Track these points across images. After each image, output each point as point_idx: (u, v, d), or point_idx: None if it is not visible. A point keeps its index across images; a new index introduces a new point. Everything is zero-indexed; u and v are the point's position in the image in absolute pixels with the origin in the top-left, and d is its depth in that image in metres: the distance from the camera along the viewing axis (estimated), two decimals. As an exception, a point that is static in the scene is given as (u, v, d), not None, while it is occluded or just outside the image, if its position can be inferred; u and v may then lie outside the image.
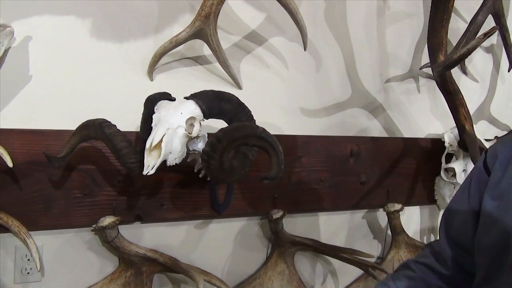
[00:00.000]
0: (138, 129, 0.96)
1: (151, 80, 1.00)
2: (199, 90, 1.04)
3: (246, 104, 1.10)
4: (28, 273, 0.90)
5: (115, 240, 0.93)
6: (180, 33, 0.92)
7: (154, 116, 0.84)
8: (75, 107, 0.93)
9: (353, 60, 1.25)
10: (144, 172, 0.78)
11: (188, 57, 1.04)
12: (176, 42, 0.92)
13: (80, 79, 0.93)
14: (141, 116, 0.90)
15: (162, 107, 0.85)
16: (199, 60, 1.05)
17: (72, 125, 0.91)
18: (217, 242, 1.09)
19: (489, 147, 0.76)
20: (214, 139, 0.80)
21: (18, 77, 0.88)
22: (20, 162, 0.86)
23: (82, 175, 0.92)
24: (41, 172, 0.88)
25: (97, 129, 0.80)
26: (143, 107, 0.88)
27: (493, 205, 0.67)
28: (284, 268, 1.14)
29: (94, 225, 0.92)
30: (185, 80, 1.03)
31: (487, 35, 0.85)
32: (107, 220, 0.91)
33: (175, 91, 1.01)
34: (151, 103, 0.86)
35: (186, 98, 0.88)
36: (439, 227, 0.82)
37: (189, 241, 1.06)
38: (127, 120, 0.97)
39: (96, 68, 0.94)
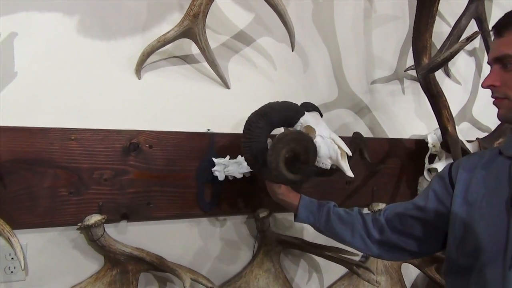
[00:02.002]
0: (126, 128, 0.96)
1: (139, 78, 0.99)
2: (187, 89, 1.05)
3: (234, 103, 1.11)
4: (12, 272, 0.89)
5: (101, 238, 0.92)
6: (168, 32, 0.92)
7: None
8: (61, 104, 0.92)
9: (340, 61, 1.27)
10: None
11: (176, 56, 1.04)
12: (164, 41, 0.92)
13: (67, 76, 0.92)
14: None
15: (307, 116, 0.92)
16: (187, 59, 1.05)
17: (59, 123, 0.90)
18: (203, 241, 1.10)
19: (454, 162, 0.89)
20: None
21: (4, 73, 0.87)
22: (5, 159, 0.85)
23: (68, 173, 0.91)
24: (26, 170, 0.87)
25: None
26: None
27: (464, 210, 0.80)
28: (270, 267, 1.15)
29: (79, 224, 0.91)
30: (173, 79, 1.03)
31: (470, 39, 0.87)
32: (93, 219, 0.91)
33: (162, 89, 1.02)
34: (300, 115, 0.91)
35: (307, 110, 0.95)
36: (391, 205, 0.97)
37: (176, 240, 1.06)
38: (114, 118, 0.97)
39: (83, 65, 0.94)
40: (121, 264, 0.97)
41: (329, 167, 0.93)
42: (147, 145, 0.99)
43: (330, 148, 0.91)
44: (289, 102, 0.92)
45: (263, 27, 1.13)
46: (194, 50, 1.04)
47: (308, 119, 0.90)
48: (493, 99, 0.82)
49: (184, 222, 1.07)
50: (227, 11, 1.08)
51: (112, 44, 0.96)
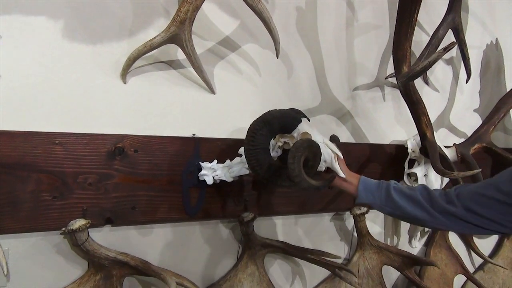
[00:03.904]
0: (111, 132, 0.96)
1: (124, 83, 0.99)
2: (172, 94, 1.05)
3: (219, 109, 1.13)
4: (-7, 278, 0.88)
5: (85, 243, 0.92)
6: (155, 38, 0.93)
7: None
8: (45, 108, 0.91)
9: (323, 68, 1.30)
10: None
11: (162, 61, 1.04)
12: (150, 46, 0.93)
13: (51, 80, 0.92)
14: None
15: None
16: (172, 64, 1.06)
17: (42, 127, 0.90)
18: (188, 245, 1.10)
19: None
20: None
21: (-14, 76, 0.86)
22: (-13, 163, 0.84)
23: (51, 178, 0.90)
24: (8, 174, 0.86)
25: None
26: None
27: None
28: (254, 270, 1.16)
29: (63, 228, 0.91)
30: (158, 84, 1.04)
31: (447, 49, 0.90)
32: (77, 223, 0.90)
33: (148, 94, 1.03)
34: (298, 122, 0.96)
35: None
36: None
37: (161, 244, 1.06)
38: (99, 122, 0.97)
39: (69, 70, 0.93)
40: (105, 269, 0.96)
41: (323, 169, 0.99)
42: (132, 150, 0.99)
43: (325, 152, 0.96)
44: (287, 110, 0.97)
45: (248, 34, 1.15)
46: (180, 55, 1.05)
47: (304, 126, 0.95)
48: None
49: (169, 226, 1.07)
50: (213, 18, 1.09)
51: (97, 48, 0.96)
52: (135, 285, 1.05)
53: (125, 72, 0.98)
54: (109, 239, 0.99)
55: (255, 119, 0.91)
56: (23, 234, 0.90)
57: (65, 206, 0.92)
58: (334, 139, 1.12)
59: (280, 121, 0.92)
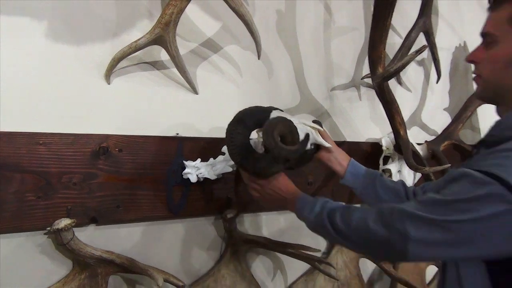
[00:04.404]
0: (96, 132, 0.97)
1: (108, 83, 1.01)
2: (156, 94, 1.07)
3: (202, 108, 1.15)
4: (-24, 279, 0.88)
5: (71, 242, 0.92)
6: (140, 39, 0.94)
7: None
8: (29, 109, 0.91)
9: (302, 69, 1.34)
10: None
11: (146, 62, 1.06)
12: (135, 48, 0.94)
13: (35, 81, 0.92)
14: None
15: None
16: (156, 65, 1.08)
17: (26, 127, 0.90)
18: (173, 242, 1.12)
19: None
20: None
21: (-32, 77, 0.86)
22: (-30, 164, 0.84)
23: (36, 178, 0.91)
24: (-8, 174, 0.86)
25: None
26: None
27: None
28: (237, 265, 1.19)
29: (48, 228, 0.91)
30: (142, 84, 1.05)
31: (418, 52, 0.96)
32: (63, 223, 0.91)
33: (132, 94, 1.04)
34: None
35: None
36: None
37: (145, 242, 1.08)
38: (84, 122, 0.98)
39: (52, 70, 0.94)
40: (90, 268, 0.97)
41: (308, 147, 1.01)
42: (117, 149, 1.00)
43: (303, 129, 0.98)
44: (257, 105, 1.00)
45: (230, 36, 1.18)
46: (163, 56, 1.07)
47: (276, 114, 0.98)
48: (474, 76, 0.85)
49: (153, 224, 1.09)
50: (196, 20, 1.11)
51: (81, 49, 0.97)
52: (120, 283, 1.06)
53: (109, 72, 0.99)
54: (94, 238, 1.00)
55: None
56: (7, 235, 0.90)
57: (50, 206, 0.93)
58: (315, 122, 1.14)
59: (252, 116, 0.95)
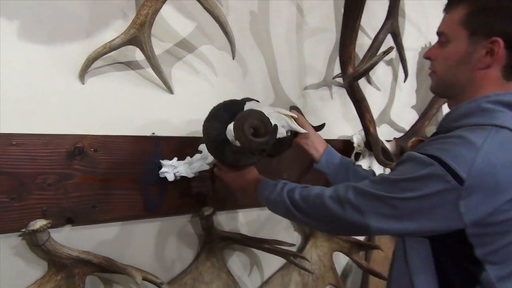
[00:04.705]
0: (71, 132, 0.97)
1: (83, 83, 1.00)
2: (131, 94, 1.08)
3: (177, 108, 1.16)
4: None
5: (46, 243, 0.92)
6: (114, 39, 0.95)
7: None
8: (2, 109, 0.90)
9: (275, 69, 1.37)
10: None
11: (120, 62, 1.06)
12: (110, 48, 0.95)
13: (7, 81, 0.90)
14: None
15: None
16: (131, 65, 1.08)
17: (1, 128, 0.89)
18: (150, 241, 1.13)
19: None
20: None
21: None
22: None
23: (9, 179, 0.90)
24: (-37, 176, 0.85)
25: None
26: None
27: None
28: (214, 262, 1.21)
29: (23, 230, 0.91)
30: (117, 84, 1.06)
31: (386, 53, 1.01)
32: (38, 224, 0.90)
33: (107, 94, 1.04)
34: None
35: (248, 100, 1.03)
36: None
37: (123, 242, 1.08)
38: (58, 123, 0.97)
39: (25, 70, 0.93)
40: (66, 268, 0.97)
41: (285, 134, 1.03)
42: (92, 149, 1.00)
43: (278, 118, 1.00)
44: (231, 99, 1.02)
45: (205, 36, 1.20)
46: (138, 56, 1.07)
47: (251, 105, 1.00)
48: (430, 71, 0.92)
49: (130, 223, 1.09)
50: (171, 20, 1.12)
51: (54, 49, 0.96)
52: (97, 283, 1.06)
53: (83, 72, 0.98)
54: (70, 239, 0.99)
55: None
56: (-21, 237, 0.89)
57: (24, 207, 0.92)
58: (293, 108, 1.19)
59: (226, 109, 0.97)
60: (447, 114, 0.87)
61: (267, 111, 0.99)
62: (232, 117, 0.97)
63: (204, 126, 0.96)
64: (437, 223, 0.75)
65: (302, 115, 1.18)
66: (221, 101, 1.23)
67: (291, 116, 1.05)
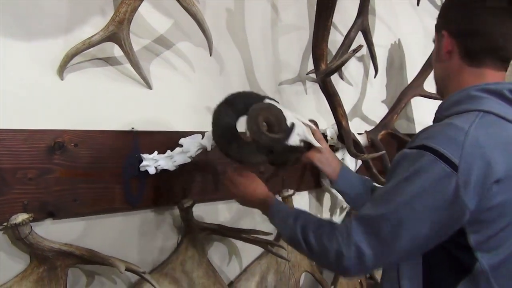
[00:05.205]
0: (51, 127, 0.99)
1: (62, 79, 1.02)
2: (111, 89, 1.10)
3: (156, 103, 1.19)
4: None
5: (28, 236, 0.94)
6: (93, 36, 0.97)
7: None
8: (-20, 105, 0.91)
9: (251, 65, 1.41)
10: None
11: (99, 58, 1.08)
12: (89, 44, 0.97)
13: (-15, 77, 0.92)
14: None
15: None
16: (109, 61, 1.10)
17: (-21, 124, 0.90)
18: (131, 234, 1.16)
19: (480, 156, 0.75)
20: None
21: None
22: None
23: (-11, 174, 0.91)
24: None
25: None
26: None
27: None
28: (194, 252, 1.25)
29: (5, 223, 0.92)
30: (96, 80, 1.08)
31: (355, 51, 1.07)
32: (20, 217, 0.92)
33: (86, 90, 1.06)
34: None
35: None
36: None
37: (104, 235, 1.10)
38: (38, 118, 0.98)
39: (3, 66, 0.93)
40: (48, 261, 0.99)
41: (298, 144, 0.96)
42: (72, 144, 1.02)
43: (297, 124, 0.95)
44: (250, 91, 0.98)
45: (182, 33, 1.23)
46: (117, 52, 1.09)
47: (269, 102, 0.96)
48: None
49: (111, 217, 1.11)
50: (149, 17, 1.15)
51: (33, 45, 0.97)
52: (80, 275, 1.08)
53: (62, 68, 1.00)
54: (52, 232, 1.01)
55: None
56: (-40, 232, 0.90)
57: (5, 201, 0.93)
58: (311, 121, 1.12)
59: (245, 101, 0.92)
60: (440, 105, 0.91)
61: (287, 113, 0.94)
62: (246, 109, 0.91)
63: (216, 110, 0.90)
64: (446, 216, 0.73)
65: (317, 129, 1.11)
66: (199, 96, 1.27)
67: (309, 126, 0.99)
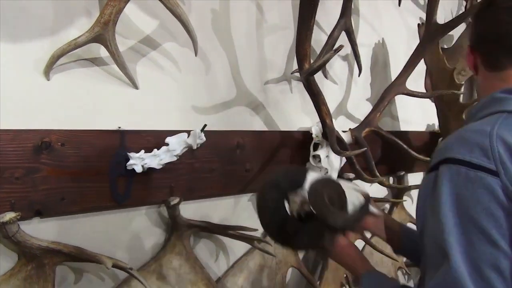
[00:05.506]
0: (37, 127, 1.00)
1: (48, 80, 1.03)
2: (97, 90, 1.11)
3: (143, 102, 1.21)
4: None
5: (16, 234, 0.95)
6: (79, 37, 0.98)
7: None
8: (-34, 106, 0.92)
9: (237, 64, 1.44)
10: None
11: (85, 59, 1.09)
12: (75, 45, 0.98)
13: (-29, 78, 0.93)
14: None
15: None
16: (96, 61, 1.12)
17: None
18: (119, 232, 1.18)
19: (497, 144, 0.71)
20: None
21: None
22: None
23: (-24, 174, 0.92)
24: None
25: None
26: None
27: None
28: (182, 249, 1.27)
29: (-8, 222, 0.93)
30: (83, 80, 1.09)
31: (336, 51, 1.10)
32: (7, 216, 0.93)
33: (73, 90, 1.08)
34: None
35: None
36: None
37: (92, 233, 1.12)
38: (25, 118, 1.00)
39: (-11, 67, 0.95)
40: (36, 259, 1.00)
41: (356, 213, 0.90)
42: (59, 143, 1.03)
43: (350, 195, 0.89)
44: (289, 166, 0.98)
45: (168, 33, 1.24)
46: (103, 53, 1.11)
47: (314, 175, 0.91)
48: None
49: (99, 215, 1.13)
50: (135, 18, 1.17)
51: (19, 47, 0.99)
52: (67, 272, 1.10)
53: (49, 69, 1.02)
54: (39, 231, 1.02)
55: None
56: None
57: (-8, 201, 0.95)
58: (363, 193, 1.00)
59: (287, 176, 0.87)
60: (469, 109, 0.93)
61: (342, 184, 0.89)
62: (291, 187, 0.87)
63: (260, 195, 0.87)
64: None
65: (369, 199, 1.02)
66: (186, 95, 1.29)
67: (363, 193, 0.94)
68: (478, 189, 0.68)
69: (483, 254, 0.66)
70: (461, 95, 1.82)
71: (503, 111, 0.77)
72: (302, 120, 1.66)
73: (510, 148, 0.68)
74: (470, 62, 0.91)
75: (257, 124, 1.51)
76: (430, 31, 1.59)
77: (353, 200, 0.89)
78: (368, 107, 1.93)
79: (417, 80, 2.10)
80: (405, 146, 1.62)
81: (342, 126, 1.75)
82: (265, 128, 1.53)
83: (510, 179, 0.66)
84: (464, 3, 2.25)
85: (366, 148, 1.39)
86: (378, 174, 1.52)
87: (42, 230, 1.03)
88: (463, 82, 2.25)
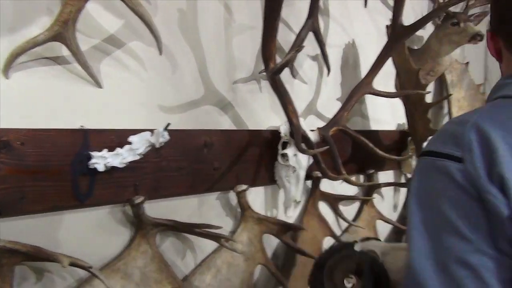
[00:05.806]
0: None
1: (7, 78, 1.02)
2: (59, 88, 1.11)
3: (106, 102, 1.21)
4: None
5: (-28, 235, 0.94)
6: (38, 36, 0.98)
7: None
8: None
9: (205, 64, 1.45)
10: None
11: (47, 57, 1.09)
12: (34, 43, 0.98)
13: None
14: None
15: None
16: (58, 60, 1.11)
17: None
18: (82, 231, 1.17)
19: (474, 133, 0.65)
20: None
21: None
22: None
23: None
24: None
25: None
26: None
27: None
28: (147, 248, 1.28)
29: None
30: (44, 79, 1.08)
31: (297, 51, 1.13)
32: (-37, 216, 0.92)
33: (33, 89, 1.07)
34: None
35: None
36: None
37: (54, 233, 1.11)
38: (-18, 117, 0.99)
39: None
40: (-6, 259, 0.99)
41: None
42: (18, 142, 1.02)
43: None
44: (330, 246, 1.01)
45: (133, 32, 1.24)
46: (65, 52, 1.10)
47: (359, 246, 0.95)
48: None
49: (61, 214, 1.13)
50: (97, 17, 1.16)
51: (-25, 44, 0.98)
52: (28, 273, 1.09)
53: (7, 67, 1.00)
54: (-2, 231, 1.02)
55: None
56: None
57: None
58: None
59: (338, 265, 0.90)
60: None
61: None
62: (337, 267, 0.91)
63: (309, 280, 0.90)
64: None
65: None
66: (151, 94, 1.29)
67: None
68: (439, 176, 0.65)
69: (449, 249, 0.61)
70: (426, 95, 1.86)
71: (500, 97, 0.74)
72: (271, 119, 1.68)
73: (483, 134, 0.64)
74: (492, 49, 0.84)
75: (225, 123, 1.52)
76: (396, 32, 1.63)
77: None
78: (339, 107, 1.96)
79: (389, 80, 2.15)
80: (371, 145, 1.65)
81: (312, 125, 1.77)
82: (233, 127, 1.55)
83: (474, 165, 0.62)
84: (433, 4, 2.31)
85: (328, 147, 1.42)
86: (344, 171, 1.56)
87: (1, 231, 1.02)
88: (431, 83, 2.32)
